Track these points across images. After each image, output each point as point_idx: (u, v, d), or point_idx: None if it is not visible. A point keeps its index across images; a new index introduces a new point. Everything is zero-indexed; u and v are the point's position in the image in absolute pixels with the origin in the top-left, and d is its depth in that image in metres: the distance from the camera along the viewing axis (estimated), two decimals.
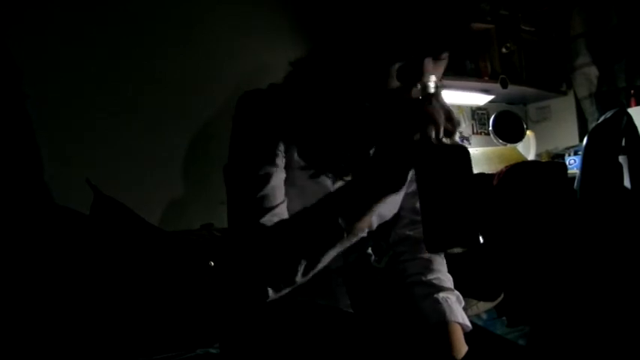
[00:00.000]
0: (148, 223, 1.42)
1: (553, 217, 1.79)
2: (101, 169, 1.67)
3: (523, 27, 3.03)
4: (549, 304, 1.71)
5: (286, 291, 0.79)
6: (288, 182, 0.85)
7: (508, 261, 1.68)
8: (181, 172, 1.98)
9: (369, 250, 1.04)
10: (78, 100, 1.73)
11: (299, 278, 0.77)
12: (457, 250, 0.66)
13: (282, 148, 0.84)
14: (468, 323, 0.90)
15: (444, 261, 1.00)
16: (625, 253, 1.64)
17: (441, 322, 0.88)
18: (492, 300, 1.60)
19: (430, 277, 0.95)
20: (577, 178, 1.87)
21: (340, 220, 0.73)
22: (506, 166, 1.96)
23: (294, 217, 0.81)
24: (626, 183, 1.85)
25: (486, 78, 2.78)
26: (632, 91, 2.86)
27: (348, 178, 0.89)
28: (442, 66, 0.78)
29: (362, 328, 0.85)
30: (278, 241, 0.77)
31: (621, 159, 1.86)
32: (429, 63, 0.74)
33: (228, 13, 2.13)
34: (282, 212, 0.82)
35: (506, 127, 2.98)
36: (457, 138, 0.70)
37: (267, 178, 0.81)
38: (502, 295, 1.63)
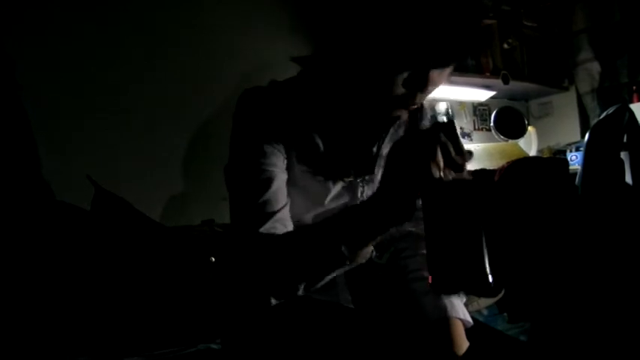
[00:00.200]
0: (149, 219, 1.42)
1: (554, 213, 1.79)
2: (101, 166, 1.67)
3: (525, 22, 3.03)
4: (550, 300, 1.71)
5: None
6: (289, 182, 0.85)
7: (509, 257, 1.68)
8: (182, 168, 1.98)
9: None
10: (78, 98, 1.73)
11: (300, 292, 0.78)
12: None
13: (283, 148, 0.84)
14: (469, 319, 0.90)
15: None
16: (626, 250, 1.63)
17: (442, 318, 0.88)
18: (493, 296, 1.60)
19: None
20: (579, 174, 1.87)
21: (343, 249, 0.73)
22: (508, 162, 1.96)
23: (296, 235, 0.80)
24: (628, 179, 1.85)
25: (488, 74, 2.78)
26: (634, 87, 2.86)
27: (350, 179, 0.89)
28: (447, 73, 0.77)
29: (362, 323, 0.85)
30: (280, 261, 0.77)
31: (623, 155, 1.85)
32: (434, 72, 0.73)
33: (229, 12, 2.12)
34: (284, 217, 0.82)
35: (508, 123, 2.98)
36: (466, 173, 0.65)
37: (269, 181, 0.81)
38: (503, 291, 1.63)
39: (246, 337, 0.85)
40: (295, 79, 0.90)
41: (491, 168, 2.09)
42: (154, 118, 1.90)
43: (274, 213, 0.80)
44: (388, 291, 0.98)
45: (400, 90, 0.75)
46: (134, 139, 1.85)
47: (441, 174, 0.63)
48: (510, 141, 2.97)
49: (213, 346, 1.26)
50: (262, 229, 0.79)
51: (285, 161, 0.85)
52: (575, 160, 2.68)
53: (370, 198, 0.74)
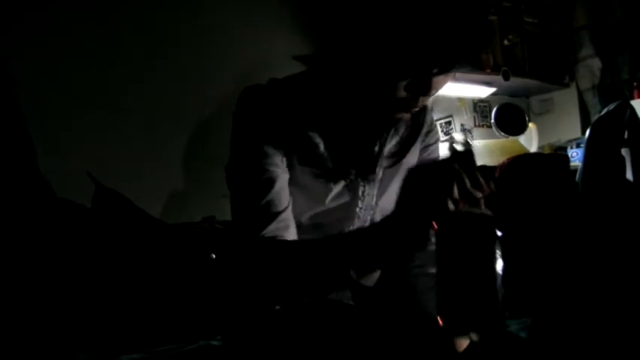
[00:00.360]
0: (149, 215, 1.42)
1: (555, 210, 1.79)
2: (102, 165, 1.67)
3: (526, 19, 3.02)
4: (551, 296, 1.71)
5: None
6: (291, 181, 0.85)
7: (509, 253, 1.67)
8: (182, 166, 1.99)
9: None
10: (78, 94, 1.74)
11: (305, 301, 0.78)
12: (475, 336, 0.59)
13: (284, 147, 0.83)
14: None
15: None
16: (627, 247, 1.63)
17: None
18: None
19: (434, 269, 0.95)
20: (579, 170, 1.87)
21: (352, 273, 0.73)
22: (508, 159, 1.96)
23: (304, 253, 0.79)
24: (629, 176, 1.84)
25: (488, 70, 2.77)
26: (635, 84, 2.85)
27: (351, 178, 0.88)
28: (450, 77, 0.76)
29: (363, 320, 0.85)
30: (286, 277, 0.77)
31: (624, 152, 1.85)
32: (437, 77, 0.73)
33: (229, 12, 2.12)
34: (287, 217, 0.82)
35: (509, 119, 2.97)
36: (483, 208, 0.62)
37: (272, 182, 0.81)
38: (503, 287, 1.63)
39: (246, 334, 0.85)
40: (296, 78, 0.90)
41: (491, 165, 2.09)
42: (153, 118, 1.90)
43: (278, 214, 0.80)
44: (389, 287, 0.98)
45: (402, 94, 0.74)
46: (134, 138, 1.86)
47: (457, 206, 0.60)
48: (511, 137, 2.96)
49: (214, 342, 1.26)
50: (266, 230, 0.79)
51: (285, 160, 0.84)
52: (575, 156, 2.68)
53: (383, 223, 0.72)
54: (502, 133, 2.94)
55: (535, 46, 3.05)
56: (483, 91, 2.96)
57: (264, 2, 2.23)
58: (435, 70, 0.71)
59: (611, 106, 1.88)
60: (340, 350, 0.78)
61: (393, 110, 0.79)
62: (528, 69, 3.00)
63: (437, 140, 1.01)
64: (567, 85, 3.21)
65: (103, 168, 1.43)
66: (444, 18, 0.67)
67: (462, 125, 3.02)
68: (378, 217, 0.96)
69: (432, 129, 1.00)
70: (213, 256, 1.33)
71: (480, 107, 3.17)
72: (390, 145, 0.92)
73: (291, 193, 0.85)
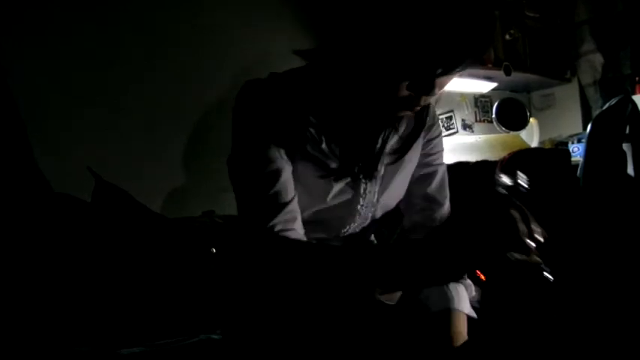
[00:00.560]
0: (149, 210, 1.42)
1: (556, 205, 1.78)
2: (101, 164, 1.67)
3: (527, 13, 3.01)
4: (552, 293, 1.71)
5: None
6: (293, 178, 0.84)
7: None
8: (182, 160, 1.98)
9: (372, 237, 1.03)
10: (78, 94, 1.73)
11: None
12: None
13: (285, 142, 0.82)
14: (474, 314, 0.90)
15: None
16: (628, 242, 1.63)
17: (446, 309, 0.87)
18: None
19: None
20: (580, 165, 1.87)
21: (377, 294, 0.73)
22: (509, 154, 1.96)
23: (326, 266, 0.76)
24: (630, 171, 1.84)
25: (490, 65, 2.76)
26: (637, 78, 2.85)
27: (353, 175, 0.88)
28: (453, 77, 0.75)
29: (362, 312, 0.85)
30: (305, 291, 0.76)
31: (625, 147, 1.84)
32: (440, 77, 0.72)
33: (229, 8, 2.11)
34: (294, 209, 0.81)
35: (510, 114, 2.97)
36: (534, 255, 0.58)
37: (277, 172, 0.80)
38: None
39: (246, 329, 0.85)
40: (297, 72, 0.89)
41: (492, 159, 2.09)
42: (153, 117, 1.90)
43: (286, 204, 0.79)
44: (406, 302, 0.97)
45: (405, 93, 0.73)
46: (134, 138, 1.85)
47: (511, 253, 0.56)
48: (512, 133, 2.96)
49: (214, 336, 1.26)
50: (274, 221, 0.78)
51: (287, 155, 0.84)
52: (577, 151, 2.68)
53: (421, 250, 0.69)
54: (503, 128, 2.94)
55: (537, 41, 3.04)
56: (485, 86, 2.95)
57: (264, 2, 2.22)
58: (439, 71, 0.70)
59: (613, 101, 1.87)
60: (340, 343, 0.78)
61: (396, 109, 0.78)
62: (530, 64, 2.99)
63: (439, 134, 1.00)
64: (569, 80, 3.20)
65: (102, 168, 1.42)
66: (449, 17, 0.65)
67: (462, 120, 3.02)
68: (379, 214, 0.96)
69: (434, 122, 0.99)
70: (214, 250, 1.33)
71: (481, 102, 3.16)
72: (392, 142, 0.90)
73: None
